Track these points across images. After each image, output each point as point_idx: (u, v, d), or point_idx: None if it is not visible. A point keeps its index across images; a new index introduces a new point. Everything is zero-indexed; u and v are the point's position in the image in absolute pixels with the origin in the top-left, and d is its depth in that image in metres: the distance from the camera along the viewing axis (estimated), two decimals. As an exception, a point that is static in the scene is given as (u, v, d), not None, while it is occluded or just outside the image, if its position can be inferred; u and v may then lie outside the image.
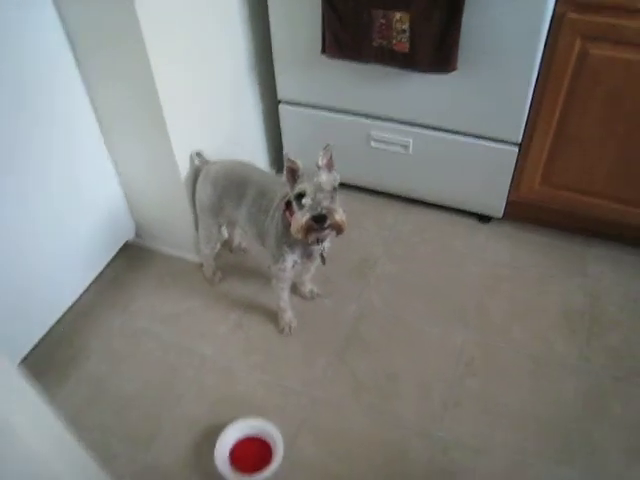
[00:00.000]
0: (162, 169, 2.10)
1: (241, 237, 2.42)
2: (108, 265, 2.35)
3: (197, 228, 2.19)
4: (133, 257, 2.43)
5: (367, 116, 2.37)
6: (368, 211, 2.58)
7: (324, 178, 1.59)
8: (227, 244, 2.42)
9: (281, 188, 1.78)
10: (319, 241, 1.74)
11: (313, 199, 1.56)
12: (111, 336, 2.13)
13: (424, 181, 2.47)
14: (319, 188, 1.57)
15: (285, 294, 2.02)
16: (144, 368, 2.02)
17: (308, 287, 2.20)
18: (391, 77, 2.16)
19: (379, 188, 2.62)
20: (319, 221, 1.53)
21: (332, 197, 1.59)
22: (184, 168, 2.09)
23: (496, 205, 2.41)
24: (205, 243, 2.17)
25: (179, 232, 2.33)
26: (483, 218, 2.52)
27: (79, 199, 2.07)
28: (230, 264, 2.38)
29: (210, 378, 1.98)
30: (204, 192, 2.04)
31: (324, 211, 1.54)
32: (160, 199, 2.25)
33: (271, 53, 2.33)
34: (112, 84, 1.92)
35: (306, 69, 2.30)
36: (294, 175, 1.63)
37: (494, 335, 2.06)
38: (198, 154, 2.11)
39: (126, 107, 1.96)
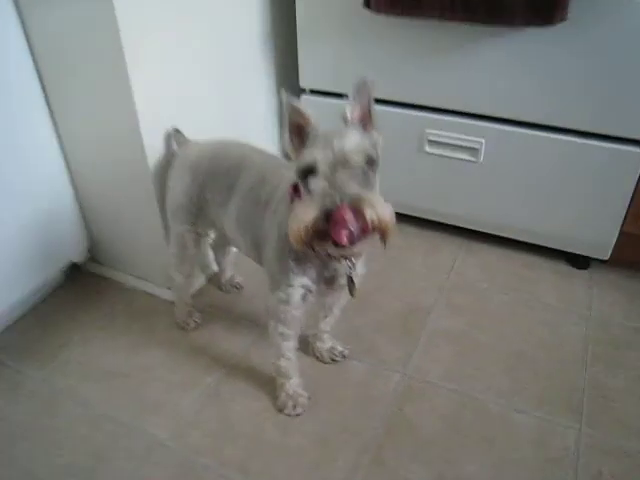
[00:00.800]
0: (121, 151, 1.44)
1: (234, 268, 1.70)
2: (41, 293, 1.66)
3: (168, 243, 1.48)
4: (81, 286, 1.73)
5: (421, 108, 1.71)
6: (416, 247, 1.86)
7: (353, 141, 0.92)
8: (216, 279, 1.71)
9: (290, 173, 1.07)
10: (342, 257, 1.03)
11: (329, 179, 0.89)
12: (19, 397, 1.38)
13: (497, 206, 1.76)
14: (341, 160, 0.91)
15: (289, 348, 1.27)
16: (59, 450, 1.25)
17: (328, 344, 1.45)
18: (459, 45, 1.54)
19: (432, 217, 1.91)
20: (341, 216, 0.88)
21: (366, 178, 0.93)
22: (153, 153, 1.42)
23: (603, 241, 1.67)
24: (177, 265, 1.46)
25: (145, 252, 1.63)
26: (579, 261, 1.77)
27: (7, 189, 1.41)
28: (215, 305, 1.65)
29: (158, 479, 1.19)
30: (179, 183, 1.36)
31: (346, 202, 0.87)
32: (119, 201, 1.56)
33: (294, 23, 1.73)
34: (49, 10, 1.30)
35: (339, 45, 1.70)
36: (301, 134, 0.98)
37: (625, 437, 1.25)
38: (177, 131, 1.44)
39: (71, 44, 1.32)
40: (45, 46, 1.37)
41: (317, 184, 0.91)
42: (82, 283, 1.74)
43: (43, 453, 1.25)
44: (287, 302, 1.15)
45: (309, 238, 0.90)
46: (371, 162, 0.94)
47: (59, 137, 1.52)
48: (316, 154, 0.92)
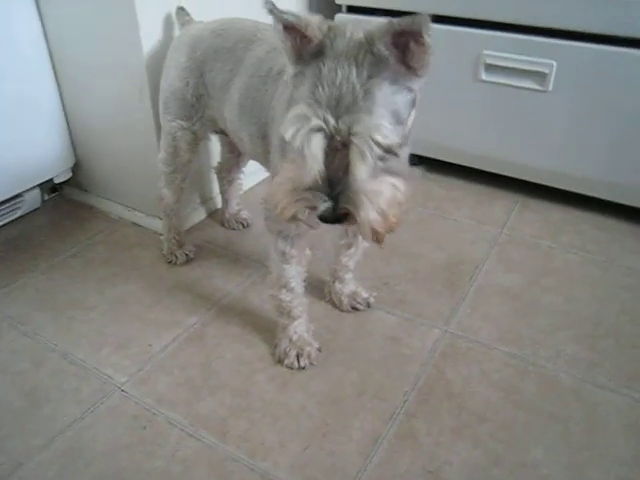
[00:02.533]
0: (113, 39, 1.16)
1: (242, 202, 1.40)
2: (13, 214, 1.39)
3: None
4: (59, 212, 1.47)
5: (476, 24, 1.39)
6: (462, 199, 1.53)
7: (371, 122, 0.63)
8: (219, 214, 1.41)
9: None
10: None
11: (322, 161, 0.65)
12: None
13: (566, 150, 1.42)
14: (346, 140, 0.64)
15: (293, 274, 0.95)
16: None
17: (350, 287, 1.12)
18: None
19: (482, 166, 1.58)
20: (329, 221, 0.68)
21: (374, 153, 0.64)
22: (150, 36, 1.14)
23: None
24: (166, 175, 1.17)
25: (135, 175, 1.35)
26: (667, 225, 1.41)
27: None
28: (215, 241, 1.35)
29: (117, 430, 0.88)
30: (173, 64, 1.08)
31: (340, 205, 0.66)
32: (109, 107, 1.29)
33: None
34: None
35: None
36: (300, 47, 0.68)
37: None
38: (180, 9, 1.16)
39: None
40: None
41: (303, 164, 0.65)
42: (61, 209, 1.47)
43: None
44: None
45: (288, 212, 0.69)
46: (391, 151, 0.66)
47: (44, 30, 1.26)
48: (308, 124, 0.63)
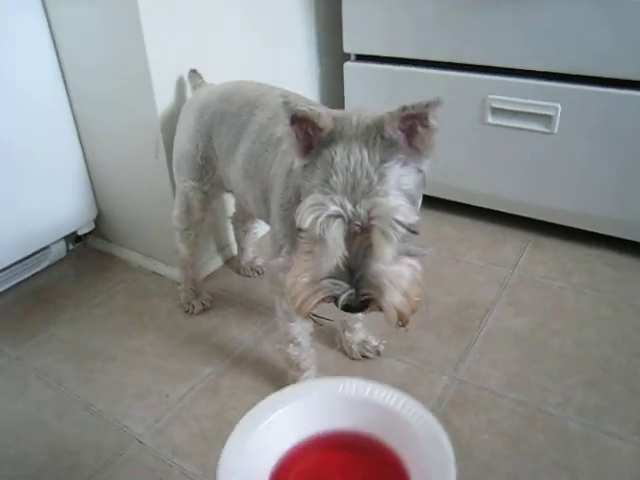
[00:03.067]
0: (130, 103, 1.24)
1: (257, 249, 1.45)
2: (39, 265, 1.47)
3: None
4: (83, 262, 1.54)
5: (483, 70, 1.43)
6: (473, 240, 1.55)
7: (390, 204, 0.65)
8: (235, 261, 1.47)
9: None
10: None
11: (340, 252, 0.66)
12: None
13: (574, 189, 1.44)
14: (365, 226, 0.65)
15: (299, 331, 0.99)
16: (14, 439, 1.01)
17: (360, 336, 1.16)
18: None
19: (494, 206, 1.60)
20: (353, 309, 0.69)
21: (397, 234, 0.66)
22: (164, 101, 1.21)
23: None
24: (181, 231, 1.22)
25: (154, 227, 1.41)
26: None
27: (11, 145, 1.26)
28: (231, 289, 1.40)
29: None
30: (184, 128, 1.14)
31: (360, 292, 0.66)
32: (128, 165, 1.36)
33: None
34: None
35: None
36: (308, 139, 0.70)
37: None
38: (193, 72, 1.23)
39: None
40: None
41: (322, 252, 0.66)
42: (85, 259, 1.54)
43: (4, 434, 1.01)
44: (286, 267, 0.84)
45: (307, 303, 0.68)
46: (412, 230, 0.67)
47: (67, 92, 1.35)
48: (326, 211, 0.64)
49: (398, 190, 0.66)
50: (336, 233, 0.64)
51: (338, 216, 0.64)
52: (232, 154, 1.03)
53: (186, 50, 1.24)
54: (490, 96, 1.43)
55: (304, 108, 0.66)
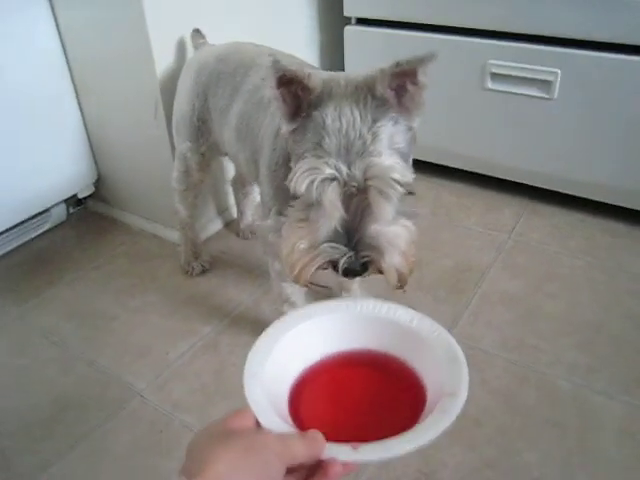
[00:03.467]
0: (129, 64, 1.23)
1: (255, 212, 1.46)
2: (40, 228, 1.48)
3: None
4: (84, 225, 1.55)
5: (482, 34, 1.42)
6: (471, 206, 1.56)
7: (386, 164, 0.65)
8: (234, 224, 1.48)
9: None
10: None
11: (339, 215, 0.65)
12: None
13: (572, 156, 1.44)
14: (361, 187, 0.65)
15: (292, 290, 1.00)
16: (22, 392, 1.05)
17: (356, 297, 1.17)
18: None
19: (491, 172, 1.61)
20: (354, 273, 0.68)
21: (396, 193, 0.66)
22: (163, 60, 1.21)
23: None
24: (180, 193, 1.23)
25: (154, 189, 1.42)
26: (678, 229, 1.42)
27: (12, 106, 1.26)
28: (230, 251, 1.42)
29: (136, 433, 0.95)
30: (183, 89, 1.14)
31: (360, 254, 0.66)
32: (127, 127, 1.36)
33: None
34: None
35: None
36: (297, 95, 0.68)
37: None
38: (196, 32, 1.23)
39: None
40: None
41: (319, 216, 0.66)
42: (86, 222, 1.55)
43: (1, 394, 1.04)
44: (279, 232, 0.82)
45: (303, 270, 0.68)
46: (409, 189, 0.67)
47: (65, 54, 1.34)
48: (321, 174, 0.64)
49: (391, 149, 0.66)
50: (333, 195, 0.63)
51: (333, 179, 0.64)
52: (226, 115, 1.03)
53: (186, 10, 1.23)
54: (490, 61, 1.43)
55: (293, 67, 0.65)
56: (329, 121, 0.65)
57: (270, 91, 0.68)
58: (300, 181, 0.64)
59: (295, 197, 0.68)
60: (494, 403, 0.99)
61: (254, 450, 0.42)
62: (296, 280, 0.69)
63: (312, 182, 0.64)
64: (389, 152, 0.65)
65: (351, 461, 0.46)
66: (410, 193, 0.67)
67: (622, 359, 1.06)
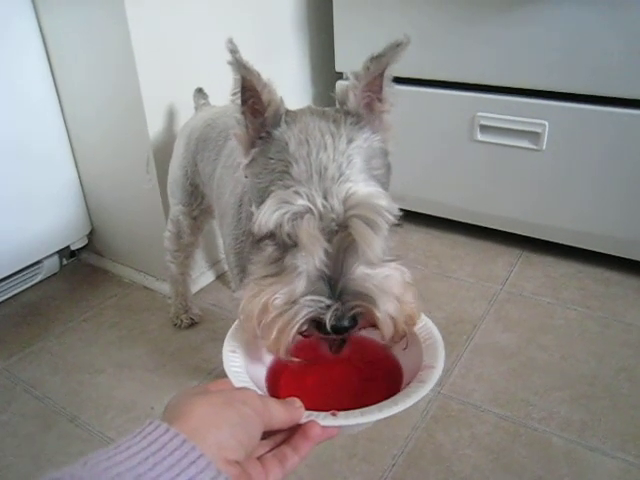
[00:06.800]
0: (122, 124, 1.26)
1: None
2: (32, 279, 1.49)
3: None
4: (76, 276, 1.55)
5: (471, 87, 1.46)
6: (465, 257, 1.56)
7: (366, 190, 0.55)
8: (226, 277, 1.48)
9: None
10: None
11: (317, 258, 0.52)
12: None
13: (563, 207, 1.45)
14: (342, 222, 0.53)
15: None
16: (1, 449, 1.01)
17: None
18: (511, 9, 1.28)
19: (484, 222, 1.61)
20: (344, 329, 0.52)
21: (384, 223, 0.54)
22: (155, 116, 1.24)
23: None
24: (171, 252, 1.23)
25: (146, 243, 1.43)
26: (672, 279, 1.41)
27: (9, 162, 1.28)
28: (221, 304, 1.41)
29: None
30: (176, 154, 1.16)
31: (348, 306, 0.51)
32: (120, 182, 1.38)
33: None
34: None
35: (378, 17, 1.48)
36: (258, 113, 0.60)
37: None
38: (199, 91, 1.26)
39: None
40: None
41: (295, 259, 0.54)
42: (78, 273, 1.55)
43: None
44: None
45: (281, 337, 0.53)
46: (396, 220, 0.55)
47: (62, 110, 1.38)
48: (291, 207, 0.53)
49: (368, 173, 0.56)
50: (309, 226, 0.51)
51: (306, 212, 0.52)
52: (212, 179, 1.02)
53: (177, 70, 1.26)
54: (479, 113, 1.45)
55: (250, 69, 0.57)
56: (293, 144, 0.55)
57: (234, 116, 0.60)
58: (267, 217, 0.53)
59: (258, 247, 0.57)
60: (485, 461, 0.95)
61: (233, 403, 0.42)
62: (274, 348, 0.53)
63: (282, 215, 0.52)
64: (368, 177, 0.55)
65: (330, 425, 0.46)
66: (397, 225, 0.55)
67: (617, 413, 1.04)
